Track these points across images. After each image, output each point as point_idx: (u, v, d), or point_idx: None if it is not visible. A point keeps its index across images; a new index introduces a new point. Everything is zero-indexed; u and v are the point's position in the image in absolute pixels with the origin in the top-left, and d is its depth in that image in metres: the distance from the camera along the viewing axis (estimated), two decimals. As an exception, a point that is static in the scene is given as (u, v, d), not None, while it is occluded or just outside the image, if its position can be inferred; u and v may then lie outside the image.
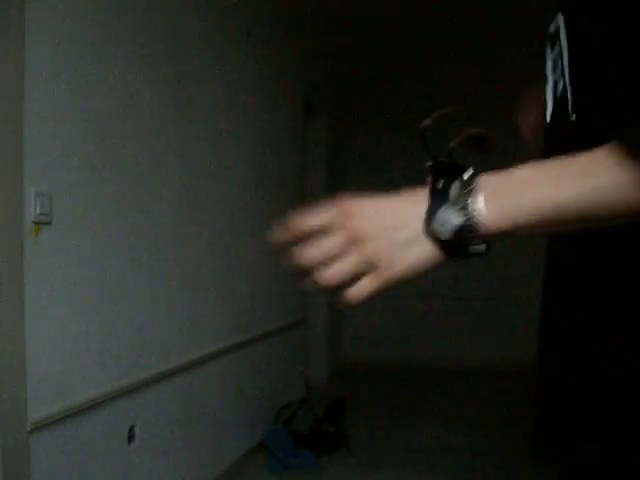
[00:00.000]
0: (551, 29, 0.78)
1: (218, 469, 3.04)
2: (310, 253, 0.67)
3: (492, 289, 6.11)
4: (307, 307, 5.07)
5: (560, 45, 0.75)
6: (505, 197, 0.61)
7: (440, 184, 0.65)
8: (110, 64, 2.18)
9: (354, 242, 0.65)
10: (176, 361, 2.63)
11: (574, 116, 0.73)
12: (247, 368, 3.46)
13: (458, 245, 0.62)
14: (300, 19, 4.44)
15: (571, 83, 0.73)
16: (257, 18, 3.61)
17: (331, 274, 0.66)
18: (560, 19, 0.76)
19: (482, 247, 0.63)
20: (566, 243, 0.77)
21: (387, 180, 6.63)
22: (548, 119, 0.82)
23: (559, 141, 0.76)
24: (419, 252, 0.64)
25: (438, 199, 0.64)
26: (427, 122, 0.79)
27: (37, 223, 1.81)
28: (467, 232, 0.61)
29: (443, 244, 0.63)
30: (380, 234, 0.65)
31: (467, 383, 5.37)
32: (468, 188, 0.62)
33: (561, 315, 0.78)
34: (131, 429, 2.30)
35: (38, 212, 1.80)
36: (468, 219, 0.61)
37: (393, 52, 5.80)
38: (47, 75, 1.87)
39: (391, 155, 6.22)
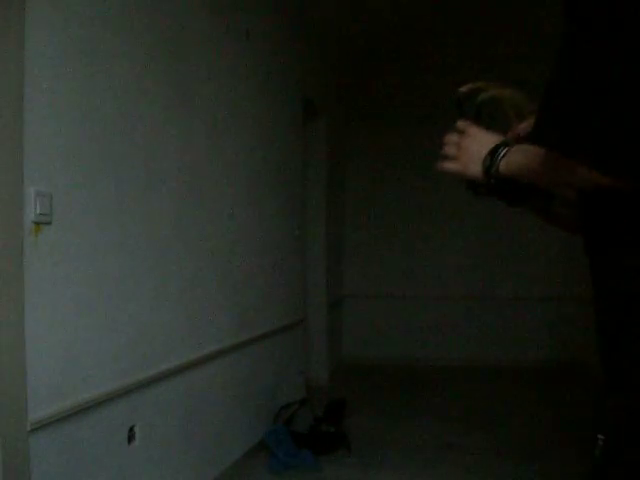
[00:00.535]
0: None
1: (218, 469, 3.04)
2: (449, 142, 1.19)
3: (492, 289, 6.11)
4: (307, 307, 5.07)
5: None
6: (508, 157, 1.05)
7: (498, 143, 1.08)
8: (110, 64, 2.18)
9: (458, 153, 1.15)
10: (176, 361, 2.63)
11: None
12: (247, 368, 3.46)
13: (486, 176, 1.09)
14: (300, 19, 4.44)
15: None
16: (257, 18, 3.61)
17: (447, 151, 1.19)
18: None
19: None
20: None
21: (387, 180, 6.66)
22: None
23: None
24: (474, 170, 1.12)
25: (492, 150, 1.08)
26: (464, 89, 1.17)
27: (37, 223, 1.81)
28: (491, 172, 1.08)
29: (484, 173, 1.10)
30: (466, 152, 1.14)
31: (467, 383, 5.37)
32: (500, 149, 1.07)
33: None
34: (131, 429, 2.30)
35: (38, 212, 1.80)
36: (492, 166, 1.07)
37: (393, 52, 5.80)
38: (47, 75, 1.87)
39: (391, 155, 6.22)
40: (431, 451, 3.58)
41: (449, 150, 1.16)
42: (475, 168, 1.11)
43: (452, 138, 1.17)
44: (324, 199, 5.36)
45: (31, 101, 1.78)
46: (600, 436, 0.94)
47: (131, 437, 2.30)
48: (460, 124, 1.16)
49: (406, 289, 6.24)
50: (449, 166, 1.15)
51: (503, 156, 1.06)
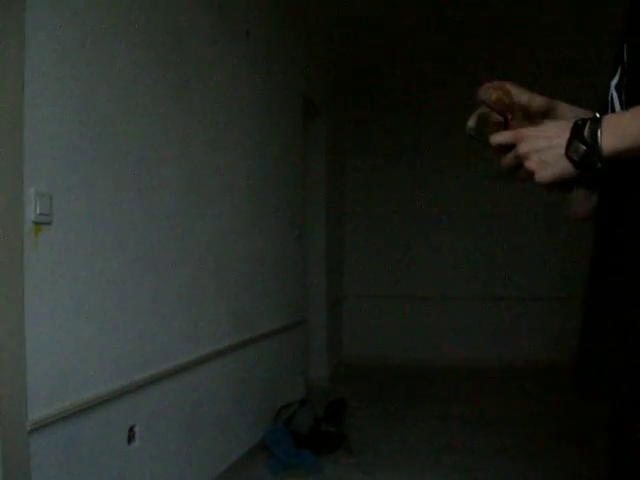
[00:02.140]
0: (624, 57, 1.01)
1: (218, 469, 3.04)
2: (503, 160, 1.02)
3: (492, 289, 6.11)
4: (307, 307, 5.07)
5: (624, 68, 1.00)
6: (618, 127, 0.89)
7: (579, 122, 0.91)
8: (110, 64, 2.18)
9: (521, 155, 0.97)
10: (176, 361, 2.63)
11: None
12: (247, 368, 3.46)
13: (586, 164, 0.90)
14: (300, 19, 4.44)
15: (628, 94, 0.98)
16: (257, 18, 3.61)
17: (504, 165, 1.02)
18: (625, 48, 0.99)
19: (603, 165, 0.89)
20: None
21: (387, 179, 6.67)
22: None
23: None
24: (561, 168, 0.93)
25: (575, 133, 0.91)
26: (471, 124, 1.06)
27: (37, 223, 1.81)
28: (593, 157, 0.89)
29: (576, 164, 0.91)
30: (533, 154, 0.95)
31: (467, 383, 5.37)
32: (594, 126, 0.89)
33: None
34: (131, 429, 2.30)
35: (38, 212, 1.80)
36: (592, 147, 0.89)
37: (393, 52, 5.80)
38: (47, 75, 1.87)
39: (391, 155, 6.23)
40: (431, 451, 3.58)
41: (509, 162, 1.00)
42: (559, 164, 0.93)
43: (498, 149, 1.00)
44: (324, 199, 5.36)
45: (31, 101, 1.78)
46: None
47: (131, 437, 2.30)
48: (503, 137, 1.00)
49: (406, 289, 6.24)
50: (540, 177, 0.94)
51: (602, 130, 0.89)
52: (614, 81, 1.04)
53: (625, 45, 0.99)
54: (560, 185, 0.96)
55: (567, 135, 0.91)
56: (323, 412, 3.85)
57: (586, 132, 0.89)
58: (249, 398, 3.47)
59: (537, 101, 1.13)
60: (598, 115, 0.90)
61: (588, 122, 0.90)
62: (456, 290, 6.17)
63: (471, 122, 1.06)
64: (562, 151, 0.91)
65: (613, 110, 1.03)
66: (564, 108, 1.17)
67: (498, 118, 1.06)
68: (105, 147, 2.16)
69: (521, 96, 1.11)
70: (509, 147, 0.99)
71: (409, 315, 6.22)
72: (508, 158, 0.99)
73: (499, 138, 0.99)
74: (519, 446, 3.65)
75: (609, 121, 0.89)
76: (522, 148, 0.96)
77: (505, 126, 1.03)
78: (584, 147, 0.89)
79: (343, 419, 3.87)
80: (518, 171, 0.99)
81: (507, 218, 6.05)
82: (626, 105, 0.97)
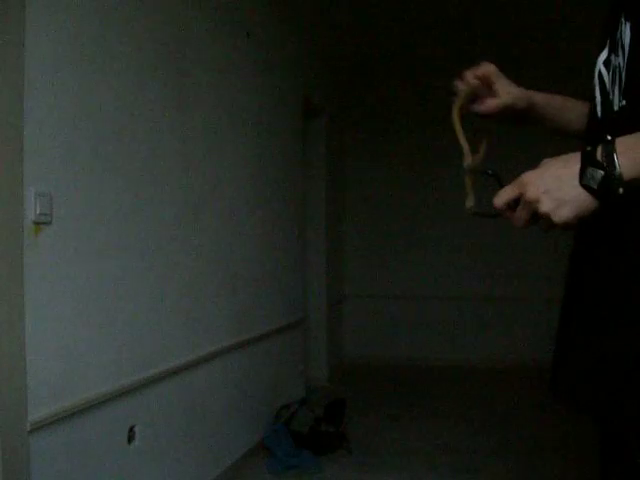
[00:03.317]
0: (617, 35, 0.94)
1: (218, 469, 3.04)
2: (514, 218, 0.92)
3: (492, 289, 6.11)
4: (307, 307, 5.07)
5: (623, 49, 0.93)
6: (635, 150, 0.81)
7: (588, 148, 0.83)
8: (110, 64, 2.18)
9: (533, 203, 0.87)
10: (176, 361, 2.63)
11: (624, 102, 0.92)
12: (247, 368, 3.46)
13: (606, 191, 0.81)
14: (300, 19, 4.44)
15: (627, 77, 0.91)
16: (257, 18, 3.61)
17: (519, 222, 0.91)
18: (625, 24, 0.93)
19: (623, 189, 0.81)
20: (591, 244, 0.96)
21: (387, 179, 6.66)
22: (599, 109, 1.00)
23: (609, 126, 0.94)
24: (580, 201, 0.83)
25: (587, 160, 0.83)
26: (470, 203, 1.00)
27: (37, 223, 1.81)
28: (613, 181, 0.80)
29: (595, 192, 0.82)
30: (543, 196, 0.85)
31: (467, 383, 5.37)
32: (608, 148, 0.81)
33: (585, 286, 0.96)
34: (131, 429, 2.30)
35: (38, 212, 1.80)
36: (610, 171, 0.80)
37: (394, 51, 5.80)
38: (47, 75, 1.87)
39: (391, 155, 6.22)
40: (431, 451, 3.58)
41: (522, 217, 0.89)
42: (576, 197, 0.83)
43: (503, 201, 0.90)
44: (324, 199, 5.36)
45: (31, 101, 1.78)
46: None
47: (131, 437, 2.30)
48: (506, 194, 0.90)
49: (406, 289, 6.24)
50: (560, 217, 0.84)
51: (616, 153, 0.81)
52: (602, 56, 0.99)
53: (624, 22, 0.93)
54: (582, 221, 0.86)
55: (577, 165, 0.83)
56: (323, 412, 3.85)
57: (599, 156, 0.81)
58: (249, 398, 3.47)
59: (520, 102, 1.12)
60: (610, 138, 0.82)
61: (600, 146, 0.82)
62: (456, 290, 6.16)
63: (469, 202, 1.00)
64: (576, 182, 0.83)
65: (603, 87, 0.98)
66: (541, 100, 1.16)
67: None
68: (105, 147, 2.16)
69: (503, 93, 1.11)
70: (517, 203, 0.89)
71: (409, 315, 6.21)
72: (519, 213, 0.89)
73: (502, 198, 0.89)
74: (519, 446, 3.65)
75: (621, 144, 0.81)
76: (530, 194, 0.85)
77: (499, 183, 0.94)
78: (601, 172, 0.81)
79: (343, 419, 3.86)
80: (537, 222, 0.89)
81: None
82: (625, 89, 0.91)
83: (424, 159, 6.16)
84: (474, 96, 1.14)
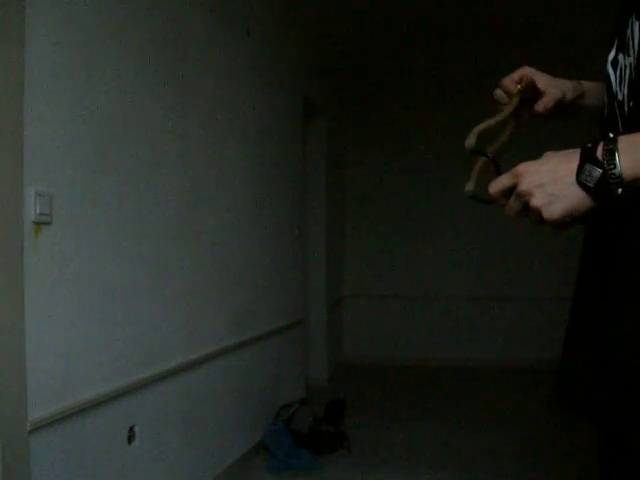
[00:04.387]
0: (627, 34, 0.92)
1: (218, 469, 3.04)
2: (506, 207, 0.89)
3: (492, 289, 6.11)
4: (307, 307, 5.07)
5: (633, 48, 0.90)
6: (637, 150, 0.77)
7: (589, 145, 0.80)
8: (110, 64, 2.18)
9: (524, 195, 0.84)
10: (176, 361, 2.63)
11: (631, 103, 0.89)
12: (247, 368, 3.46)
13: (603, 191, 0.78)
14: (300, 18, 4.44)
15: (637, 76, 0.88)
16: (257, 17, 3.60)
17: (510, 212, 0.89)
18: (635, 23, 0.90)
19: (621, 189, 0.78)
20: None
21: (387, 179, 6.66)
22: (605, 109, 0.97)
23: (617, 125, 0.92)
24: (573, 199, 0.81)
25: (586, 156, 0.79)
26: (470, 143, 0.94)
27: (37, 223, 1.81)
28: (611, 180, 0.77)
29: (591, 191, 0.79)
30: (536, 190, 0.82)
31: (467, 383, 5.37)
32: (609, 146, 0.78)
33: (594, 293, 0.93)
34: (131, 429, 2.30)
35: (38, 212, 1.80)
36: (609, 169, 0.77)
37: (394, 51, 5.80)
38: (47, 75, 1.86)
39: (391, 155, 6.22)
40: (431, 452, 3.58)
41: (513, 207, 0.87)
42: (570, 194, 0.81)
43: (499, 189, 0.88)
44: (324, 199, 5.36)
45: (31, 101, 1.78)
46: None
47: (131, 437, 2.30)
48: (501, 182, 0.88)
49: (406, 289, 6.24)
50: (550, 213, 0.82)
51: (618, 151, 0.77)
52: (611, 55, 0.97)
53: (635, 20, 0.90)
54: (575, 221, 0.84)
55: (575, 161, 0.80)
56: (323, 412, 3.85)
57: (600, 153, 0.78)
58: (249, 398, 3.46)
59: (569, 93, 1.08)
60: (612, 135, 0.79)
61: (601, 143, 0.79)
62: (456, 290, 6.16)
63: (469, 186, 0.96)
64: (572, 179, 0.80)
65: (610, 89, 0.95)
66: (587, 86, 1.12)
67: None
68: (105, 147, 2.16)
69: (550, 88, 1.05)
70: (512, 192, 0.87)
71: (409, 315, 6.21)
72: (511, 203, 0.87)
73: (497, 186, 0.87)
74: (519, 446, 3.65)
75: (625, 141, 0.78)
76: (522, 186, 0.83)
77: (497, 170, 0.91)
78: (599, 170, 0.78)
79: (343, 419, 3.86)
80: (528, 215, 0.86)
81: (507, 218, 6.04)
82: (634, 90, 0.89)
83: (424, 159, 6.16)
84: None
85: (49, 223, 1.86)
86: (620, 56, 0.94)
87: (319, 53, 5.09)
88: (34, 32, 1.79)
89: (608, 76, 0.97)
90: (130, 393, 2.27)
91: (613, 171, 0.77)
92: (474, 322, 6.11)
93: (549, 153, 0.85)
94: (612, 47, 0.97)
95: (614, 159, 0.77)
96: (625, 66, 0.92)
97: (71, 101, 1.98)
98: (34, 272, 1.79)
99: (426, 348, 6.10)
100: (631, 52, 0.91)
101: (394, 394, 4.97)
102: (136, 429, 2.32)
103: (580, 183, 0.79)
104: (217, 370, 3.05)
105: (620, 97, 0.92)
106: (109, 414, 2.15)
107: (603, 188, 0.78)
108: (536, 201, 0.82)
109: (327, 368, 5.41)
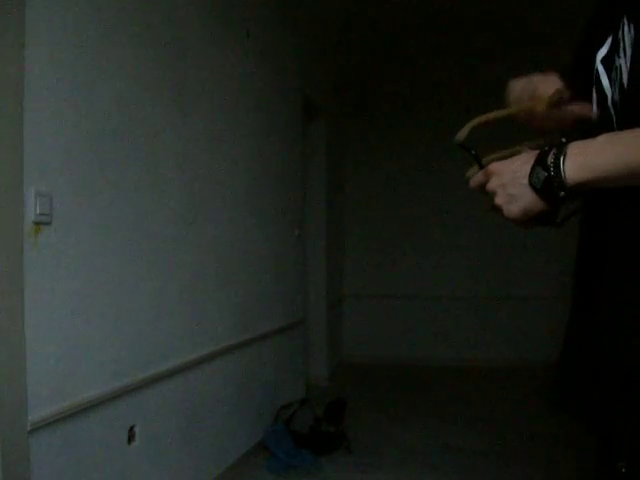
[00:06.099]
0: (619, 35, 0.92)
1: (218, 469, 3.04)
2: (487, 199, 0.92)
3: (493, 289, 6.11)
4: (307, 307, 5.07)
5: (624, 45, 0.90)
6: (585, 156, 0.81)
7: (546, 148, 0.84)
8: (110, 64, 2.18)
9: (489, 193, 0.90)
10: (176, 361, 2.63)
11: (622, 104, 0.89)
12: (247, 368, 3.46)
13: (548, 193, 0.83)
14: (300, 18, 4.44)
15: (630, 77, 0.88)
16: (257, 17, 3.60)
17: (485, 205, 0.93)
18: (628, 25, 0.90)
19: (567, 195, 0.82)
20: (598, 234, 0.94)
21: (387, 179, 6.66)
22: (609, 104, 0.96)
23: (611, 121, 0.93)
24: (527, 200, 0.85)
25: (539, 160, 0.84)
26: (461, 136, 0.94)
27: (37, 223, 1.81)
28: (554, 183, 0.82)
29: (539, 192, 0.84)
30: (499, 189, 0.88)
31: (467, 383, 5.37)
32: (559, 150, 0.82)
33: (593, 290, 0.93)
34: (131, 429, 2.30)
35: (38, 212, 1.80)
36: (554, 173, 0.81)
37: (394, 51, 5.80)
38: (47, 75, 1.86)
39: (391, 155, 6.22)
40: (431, 451, 3.58)
41: (487, 202, 0.92)
42: (524, 195, 0.86)
43: (476, 181, 0.94)
44: (324, 199, 5.36)
45: (31, 101, 1.78)
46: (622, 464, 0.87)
47: (131, 437, 2.30)
48: (478, 179, 0.93)
49: (406, 289, 6.24)
50: (508, 212, 0.88)
51: (565, 156, 0.82)
52: (601, 53, 0.95)
53: (627, 22, 0.89)
54: (536, 220, 0.88)
55: (532, 164, 0.85)
56: (323, 412, 3.85)
57: (549, 158, 0.82)
58: (249, 398, 3.47)
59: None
60: (564, 140, 0.83)
61: (554, 148, 0.83)
62: (456, 290, 6.16)
63: (460, 134, 0.96)
64: (525, 180, 0.84)
65: (599, 86, 0.95)
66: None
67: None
68: (105, 147, 2.16)
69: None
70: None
71: (409, 315, 6.21)
72: (487, 198, 0.91)
73: (475, 181, 0.93)
74: (519, 446, 3.65)
75: (574, 148, 0.82)
76: (490, 184, 0.89)
77: (479, 165, 0.94)
78: (545, 173, 0.82)
79: (343, 419, 3.86)
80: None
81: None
82: (628, 89, 0.88)
83: (424, 159, 6.16)
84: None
85: (49, 223, 1.86)
86: (615, 56, 0.92)
87: (319, 54, 5.09)
88: (34, 32, 1.79)
89: (597, 74, 0.95)
90: (130, 393, 2.27)
91: (558, 174, 0.81)
92: (474, 322, 6.11)
93: (524, 153, 0.89)
94: (602, 44, 0.95)
95: (559, 164, 0.81)
96: (617, 67, 0.91)
97: (71, 101, 1.98)
98: (34, 272, 1.79)
99: (426, 348, 6.10)
100: (621, 54, 0.90)
101: (394, 394, 4.98)
102: (136, 429, 2.32)
103: (531, 185, 0.84)
104: (217, 370, 3.05)
105: (616, 98, 0.92)
106: (109, 414, 2.15)
107: (547, 190, 0.83)
108: (498, 200, 0.88)
109: (327, 368, 5.41)
